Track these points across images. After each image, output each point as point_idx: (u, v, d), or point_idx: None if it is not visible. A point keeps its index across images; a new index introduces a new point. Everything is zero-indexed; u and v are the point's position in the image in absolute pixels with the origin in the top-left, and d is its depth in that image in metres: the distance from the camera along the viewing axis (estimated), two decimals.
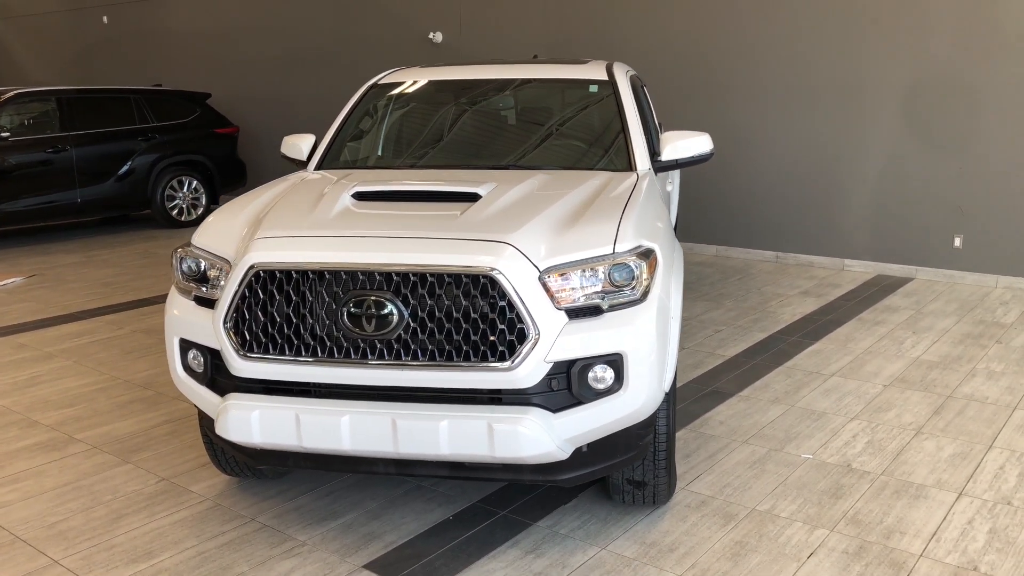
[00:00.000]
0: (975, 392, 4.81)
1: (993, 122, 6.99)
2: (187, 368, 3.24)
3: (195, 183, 10.70)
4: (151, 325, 6.41)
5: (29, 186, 9.40)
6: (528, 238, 2.93)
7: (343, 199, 3.34)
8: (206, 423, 3.37)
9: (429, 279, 2.86)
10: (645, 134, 4.20)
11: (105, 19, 14.11)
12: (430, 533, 3.42)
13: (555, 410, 2.89)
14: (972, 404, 4.64)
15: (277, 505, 3.66)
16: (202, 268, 3.22)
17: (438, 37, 10.10)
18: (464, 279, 2.85)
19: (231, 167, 11.09)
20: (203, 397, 3.18)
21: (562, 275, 2.90)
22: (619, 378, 2.92)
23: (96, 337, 6.15)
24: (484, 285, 2.84)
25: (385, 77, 4.81)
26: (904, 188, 7.49)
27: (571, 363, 2.88)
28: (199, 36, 12.70)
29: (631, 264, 2.96)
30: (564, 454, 2.93)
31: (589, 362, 2.88)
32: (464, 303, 2.86)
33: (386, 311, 2.85)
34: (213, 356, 3.12)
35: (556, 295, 2.88)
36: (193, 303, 3.20)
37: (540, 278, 2.86)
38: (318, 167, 4.33)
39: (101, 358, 5.67)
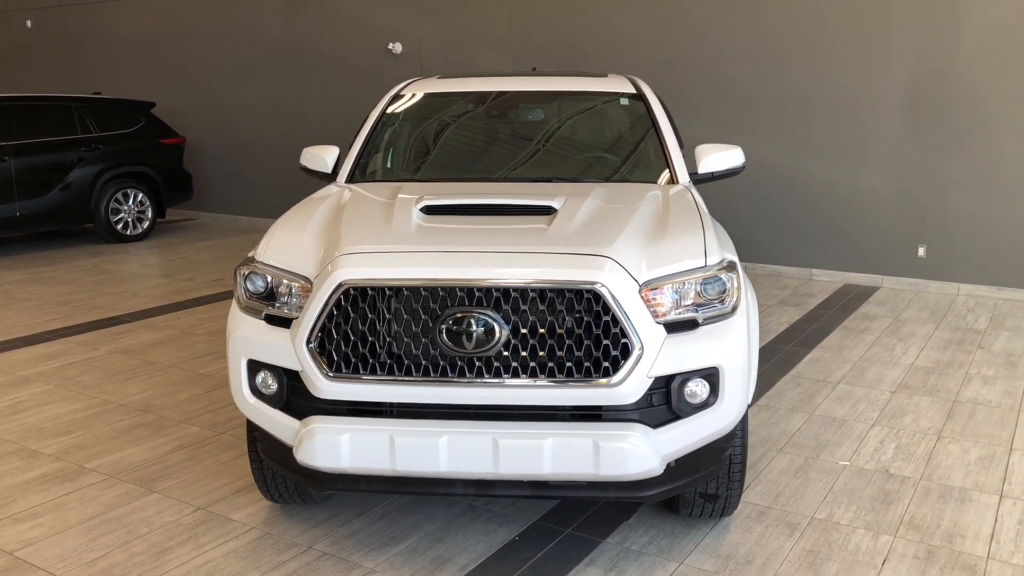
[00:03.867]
0: (977, 396, 5.00)
1: (953, 135, 7.31)
2: (255, 391, 3.08)
3: (141, 196, 10.26)
4: (128, 345, 6.10)
5: None
6: (625, 252, 2.90)
7: (413, 214, 3.24)
8: (269, 448, 3.20)
9: (530, 294, 2.80)
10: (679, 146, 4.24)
11: (29, 23, 13.42)
12: (501, 554, 3.34)
13: (655, 425, 2.87)
14: (979, 408, 4.82)
15: (331, 531, 3.51)
16: (270, 285, 3.07)
17: (397, 48, 9.98)
18: (567, 294, 2.80)
19: (178, 179, 10.69)
20: (276, 421, 3.02)
21: (659, 289, 2.88)
22: (714, 391, 2.92)
23: (71, 359, 5.81)
24: (588, 300, 2.79)
25: (406, 88, 4.71)
26: (869, 199, 7.76)
27: (671, 378, 2.86)
28: (137, 42, 12.21)
29: (723, 277, 2.97)
30: (661, 470, 2.90)
31: (687, 376, 2.87)
32: (567, 318, 2.81)
33: (487, 328, 2.78)
34: (290, 377, 2.98)
35: (655, 309, 2.86)
36: (264, 323, 3.05)
37: (640, 292, 2.84)
38: (349, 180, 4.20)
39: (85, 381, 5.36)
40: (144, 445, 4.38)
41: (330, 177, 4.34)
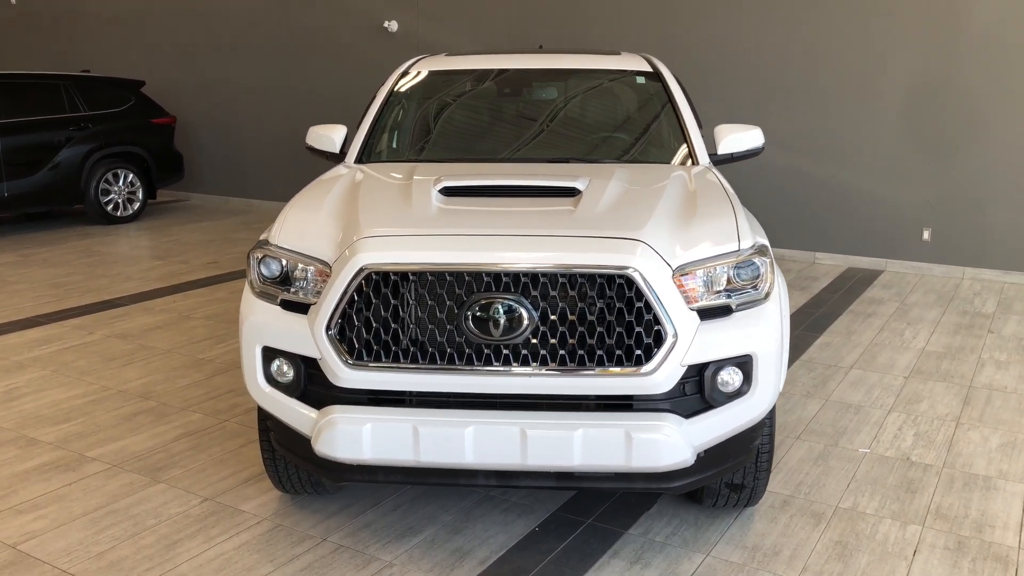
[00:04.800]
0: (992, 382, 4.94)
1: (963, 119, 7.23)
2: (270, 379, 2.96)
3: (131, 176, 10.06)
4: (125, 329, 5.96)
5: None
6: (657, 235, 2.80)
7: (433, 195, 3.11)
8: (283, 438, 3.09)
9: (560, 280, 2.70)
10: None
11: (13, 0, 13.13)
12: (522, 546, 3.24)
13: (687, 415, 2.77)
14: (995, 394, 4.76)
15: (345, 523, 3.41)
16: (286, 269, 2.95)
17: (393, 26, 9.79)
18: (598, 279, 2.69)
19: (168, 160, 10.48)
20: (292, 410, 2.91)
21: (692, 274, 2.78)
22: (747, 380, 2.83)
23: (67, 343, 5.67)
24: (620, 285, 2.69)
25: (414, 66, 4.57)
26: (874, 183, 7.68)
27: (704, 366, 2.76)
28: (125, 19, 11.96)
29: (756, 262, 2.87)
30: (692, 461, 2.81)
31: (721, 364, 2.78)
32: (598, 304, 2.70)
33: (515, 314, 2.67)
34: (308, 365, 2.86)
35: (688, 295, 2.75)
36: (279, 308, 2.93)
37: (673, 277, 2.73)
38: (358, 160, 4.06)
39: (81, 366, 5.22)
40: (146, 433, 4.26)
41: (338, 157, 4.20)
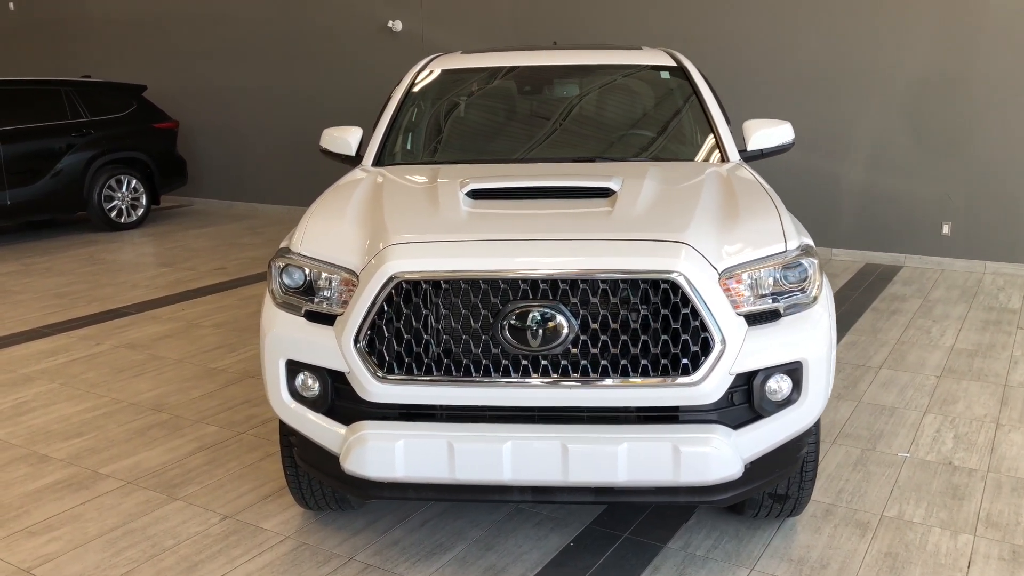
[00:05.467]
0: None
1: (981, 111, 7.09)
2: (294, 394, 2.83)
3: (134, 182, 9.92)
4: (133, 339, 5.82)
5: None
6: (701, 236, 2.66)
7: (460, 198, 2.98)
8: (308, 454, 2.95)
9: (601, 285, 2.56)
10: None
11: (12, 5, 12.99)
12: (558, 563, 3.11)
13: (735, 426, 2.64)
14: None
15: (371, 541, 3.28)
16: (309, 279, 2.82)
17: (397, 26, 9.65)
18: (641, 284, 2.56)
19: (172, 165, 10.34)
20: (319, 426, 2.77)
21: (738, 277, 2.64)
22: (797, 388, 2.69)
23: (74, 355, 5.53)
24: (664, 290, 2.55)
25: (429, 64, 4.43)
26: (892, 177, 7.54)
27: (752, 374, 2.63)
28: (124, 24, 11.82)
29: (804, 263, 2.73)
30: (740, 473, 2.67)
31: (770, 372, 2.64)
32: (641, 311, 2.56)
33: (553, 323, 2.53)
34: (335, 379, 2.73)
35: (734, 299, 2.62)
36: (304, 319, 2.79)
37: (719, 280, 2.60)
38: (376, 163, 3.92)
39: (90, 379, 5.09)
40: (160, 447, 4.13)
41: (354, 160, 4.06)
